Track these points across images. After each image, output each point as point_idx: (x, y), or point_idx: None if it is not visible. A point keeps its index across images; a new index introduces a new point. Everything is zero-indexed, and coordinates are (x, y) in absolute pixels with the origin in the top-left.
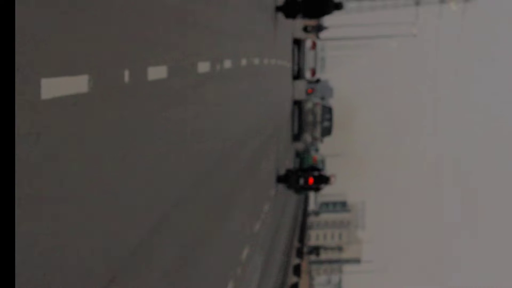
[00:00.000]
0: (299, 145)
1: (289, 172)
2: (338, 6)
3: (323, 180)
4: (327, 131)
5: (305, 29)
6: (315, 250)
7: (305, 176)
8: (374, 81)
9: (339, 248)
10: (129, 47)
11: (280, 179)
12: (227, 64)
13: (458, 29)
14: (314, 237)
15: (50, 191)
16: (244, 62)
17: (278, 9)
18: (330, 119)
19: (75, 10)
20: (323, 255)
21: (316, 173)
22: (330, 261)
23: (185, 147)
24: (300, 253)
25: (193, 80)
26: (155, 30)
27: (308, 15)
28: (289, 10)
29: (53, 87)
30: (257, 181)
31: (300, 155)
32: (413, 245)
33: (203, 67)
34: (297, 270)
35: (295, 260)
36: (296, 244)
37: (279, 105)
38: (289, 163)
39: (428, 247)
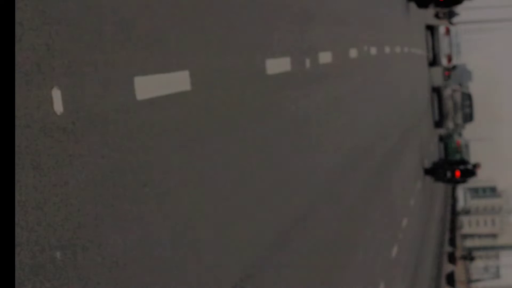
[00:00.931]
0: (442, 131)
1: (435, 165)
2: None
3: (469, 173)
4: (468, 117)
5: (437, 15)
6: (469, 255)
7: (452, 169)
8: None
9: (494, 236)
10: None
11: (428, 172)
12: (373, 50)
13: None
14: (466, 225)
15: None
16: (387, 49)
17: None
18: (470, 105)
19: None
20: (477, 242)
21: (462, 167)
22: (486, 248)
23: (324, 142)
24: (452, 259)
25: (348, 63)
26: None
27: (440, 4)
28: (421, 0)
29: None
30: (403, 172)
31: (444, 140)
32: None
33: (353, 52)
34: (452, 259)
35: (448, 249)
36: (447, 248)
37: (417, 92)
38: (434, 148)
39: None
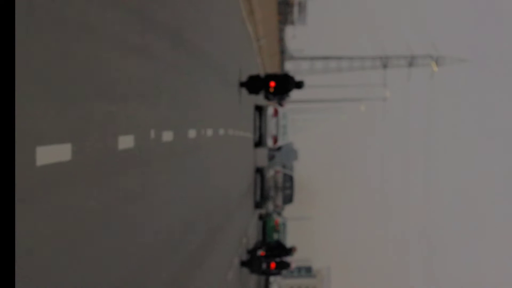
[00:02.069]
0: (262, 210)
1: (252, 257)
2: (299, 85)
3: (284, 265)
4: (288, 199)
5: (267, 96)
6: None
7: (267, 262)
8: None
9: None
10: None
11: (244, 264)
12: (192, 134)
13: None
14: None
15: None
16: (209, 132)
17: (242, 84)
18: (291, 187)
19: None
20: None
21: (277, 259)
22: None
23: (140, 222)
24: None
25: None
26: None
27: (270, 93)
28: (252, 87)
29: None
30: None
31: (263, 218)
32: None
33: (167, 136)
34: None
35: None
36: None
37: (242, 174)
38: (253, 230)
39: None
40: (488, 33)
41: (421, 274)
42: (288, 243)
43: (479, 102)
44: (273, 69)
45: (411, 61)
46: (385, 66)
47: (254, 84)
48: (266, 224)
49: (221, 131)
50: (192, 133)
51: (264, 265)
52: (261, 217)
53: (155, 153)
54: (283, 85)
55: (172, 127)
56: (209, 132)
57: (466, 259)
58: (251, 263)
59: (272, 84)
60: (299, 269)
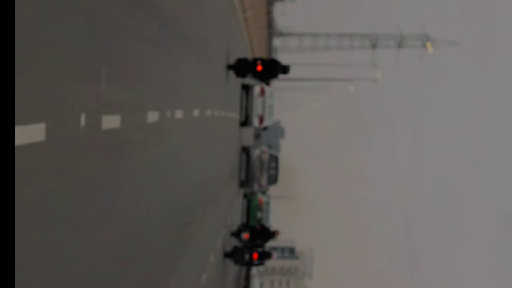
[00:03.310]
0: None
1: (234, 248)
2: (285, 70)
3: (266, 255)
4: (273, 179)
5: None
6: None
7: (250, 252)
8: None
9: None
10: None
11: (227, 255)
12: (179, 114)
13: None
14: (259, 285)
15: None
16: (196, 113)
17: (230, 67)
18: (276, 168)
19: None
20: None
21: (260, 249)
22: None
23: (131, 203)
24: None
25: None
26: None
27: (257, 76)
28: (239, 70)
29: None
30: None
31: (248, 197)
32: None
33: (152, 116)
34: None
35: None
36: None
37: (228, 154)
38: (237, 209)
39: None
40: (480, 16)
41: (405, 259)
42: (272, 222)
43: (468, 85)
44: (260, 45)
45: (401, 42)
46: (374, 46)
47: (241, 67)
48: (250, 203)
49: (208, 112)
50: (179, 114)
51: (246, 256)
52: (245, 195)
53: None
54: (270, 69)
55: (158, 107)
56: (196, 112)
57: (447, 244)
58: (234, 254)
59: (259, 68)
60: (282, 250)
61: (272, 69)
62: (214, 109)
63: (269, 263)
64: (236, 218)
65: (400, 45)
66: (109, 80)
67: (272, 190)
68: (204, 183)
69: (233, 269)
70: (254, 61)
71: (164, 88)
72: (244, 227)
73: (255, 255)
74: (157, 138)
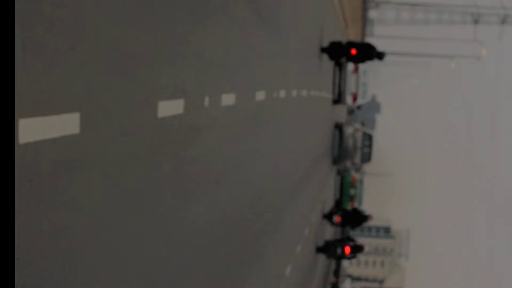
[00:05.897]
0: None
1: (327, 243)
2: (380, 56)
3: (358, 249)
4: (366, 158)
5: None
6: None
7: (342, 246)
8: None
9: (380, 281)
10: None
11: (319, 250)
12: (282, 94)
13: None
14: (354, 263)
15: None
16: (294, 93)
17: (323, 50)
18: (370, 146)
19: None
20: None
21: (351, 243)
22: None
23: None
24: None
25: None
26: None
27: (351, 59)
28: (333, 53)
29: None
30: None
31: (341, 173)
32: (459, 283)
33: (260, 95)
34: None
35: None
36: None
37: (321, 131)
38: (330, 185)
39: (475, 282)
40: None
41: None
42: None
43: None
44: (354, 17)
45: (505, 18)
46: (476, 21)
47: (335, 51)
48: (344, 180)
49: (304, 92)
50: (282, 93)
51: (339, 250)
52: (339, 172)
53: (251, 112)
54: (364, 54)
55: (266, 87)
56: (294, 93)
57: None
58: (326, 248)
59: (353, 52)
60: (377, 229)
61: (366, 54)
62: (310, 89)
63: (363, 242)
64: (329, 195)
65: (504, 21)
66: (239, 65)
67: (367, 167)
68: (300, 159)
69: (321, 260)
70: (348, 45)
71: (269, 71)
72: (336, 209)
73: (347, 249)
74: (264, 114)
